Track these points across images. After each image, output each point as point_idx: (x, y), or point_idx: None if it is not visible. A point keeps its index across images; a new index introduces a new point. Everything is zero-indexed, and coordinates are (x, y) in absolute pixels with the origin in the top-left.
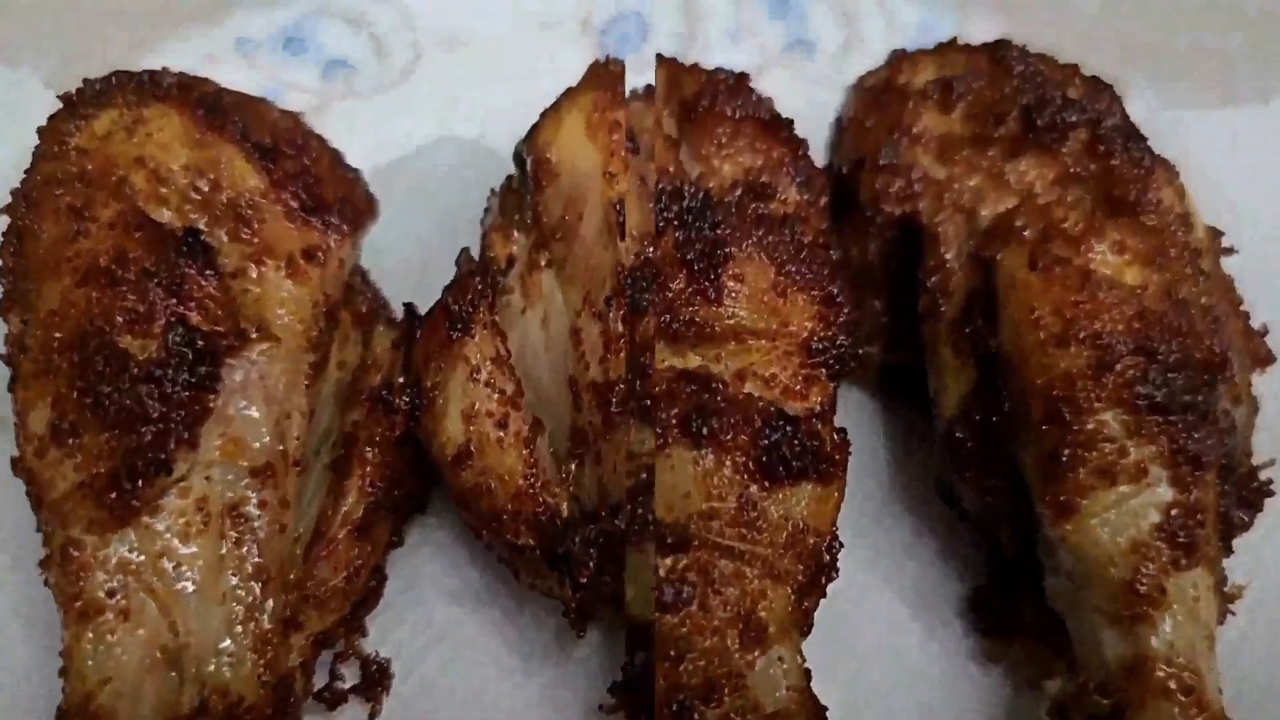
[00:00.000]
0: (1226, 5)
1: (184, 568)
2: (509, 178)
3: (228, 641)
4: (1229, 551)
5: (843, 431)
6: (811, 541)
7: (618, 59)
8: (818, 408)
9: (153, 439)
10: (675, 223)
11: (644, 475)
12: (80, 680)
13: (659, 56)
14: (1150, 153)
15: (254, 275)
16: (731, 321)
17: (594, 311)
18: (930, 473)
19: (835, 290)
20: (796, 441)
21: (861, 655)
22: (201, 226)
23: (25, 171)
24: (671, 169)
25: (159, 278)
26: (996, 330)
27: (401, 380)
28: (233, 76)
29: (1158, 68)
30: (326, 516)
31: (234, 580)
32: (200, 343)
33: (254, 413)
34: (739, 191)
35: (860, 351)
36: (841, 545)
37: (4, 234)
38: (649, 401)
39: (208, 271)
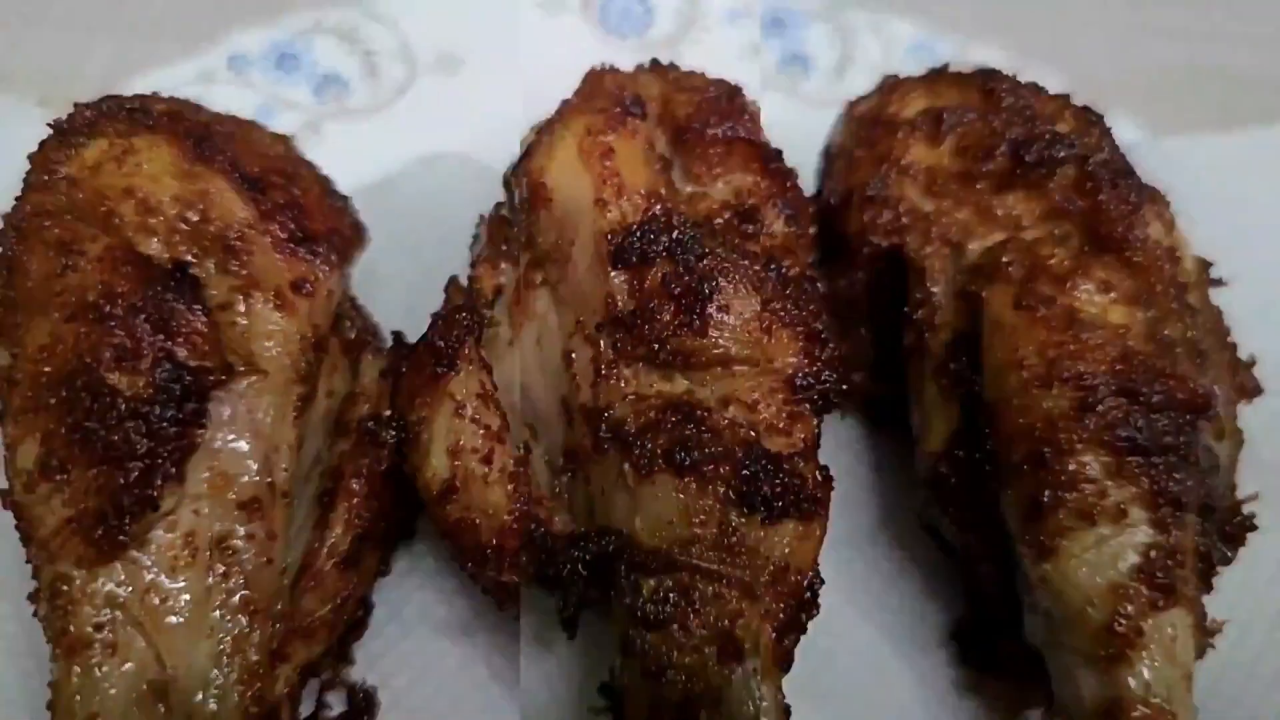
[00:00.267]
0: (1228, 28)
1: (171, 601)
2: (497, 205)
3: (215, 674)
4: (1209, 589)
5: (825, 469)
6: (793, 579)
7: (613, 68)
8: (801, 445)
9: (140, 475)
10: (664, 254)
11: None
12: (68, 714)
13: (654, 64)
14: (1139, 187)
15: (242, 308)
16: (718, 351)
17: (584, 336)
18: (915, 503)
19: (820, 327)
20: (779, 480)
21: (843, 686)
22: (190, 259)
23: (15, 199)
24: (662, 193)
25: (147, 313)
26: (980, 370)
27: (388, 413)
28: (226, 92)
29: (1152, 89)
30: (313, 549)
31: (221, 613)
32: (188, 378)
33: (242, 446)
34: (728, 214)
35: (845, 386)
36: (823, 582)
37: None
38: (631, 435)
39: (195, 306)
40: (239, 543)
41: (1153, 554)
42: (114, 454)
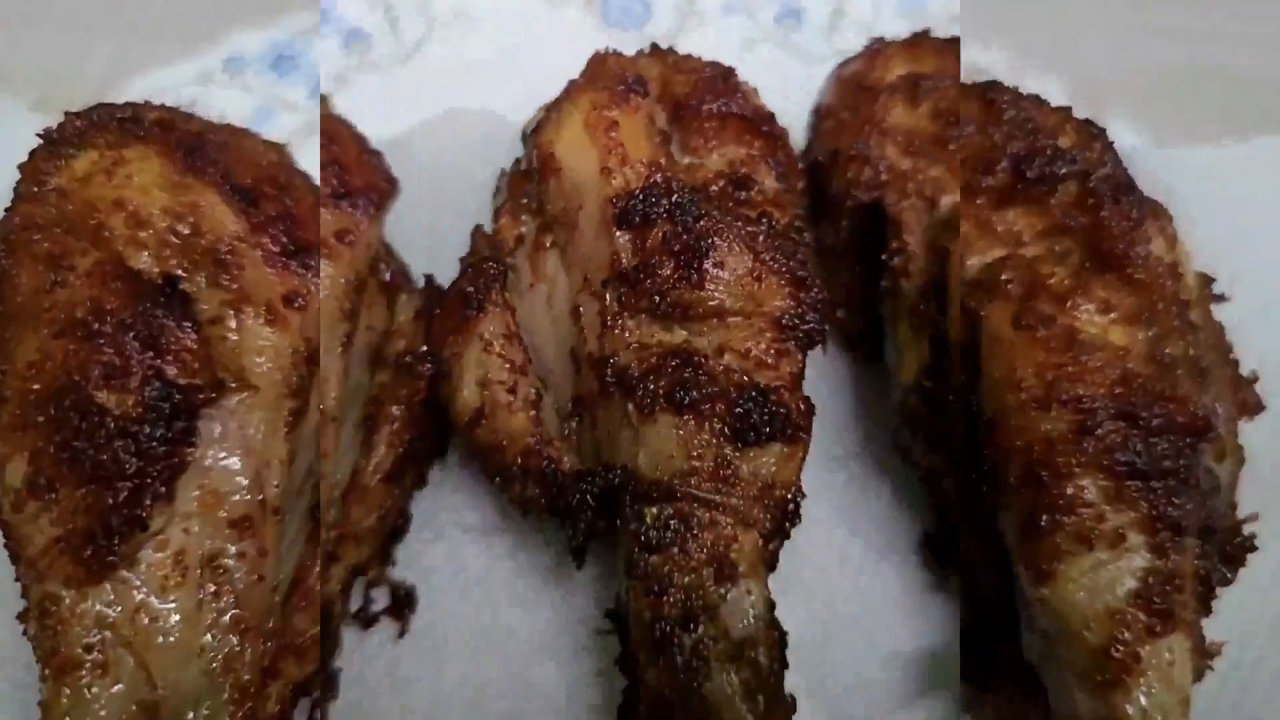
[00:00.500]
0: (1229, 28)
1: (161, 622)
2: (516, 160)
3: (206, 695)
4: (1208, 613)
5: (807, 399)
6: (778, 493)
7: (617, 52)
8: (787, 378)
9: (129, 495)
10: (665, 216)
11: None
12: None
13: (654, 48)
14: (1140, 203)
15: (232, 323)
16: (714, 303)
17: (591, 292)
18: (889, 427)
19: (805, 273)
20: (766, 410)
21: (824, 584)
22: (180, 273)
23: (6, 209)
24: (662, 163)
25: (136, 330)
26: (943, 309)
27: (424, 349)
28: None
29: (1152, 90)
30: (360, 466)
31: (212, 633)
32: (177, 396)
33: (233, 463)
34: (723, 182)
35: (827, 325)
36: (804, 495)
37: None
38: (635, 378)
39: (185, 322)
40: (230, 561)
41: (1150, 580)
42: (103, 473)
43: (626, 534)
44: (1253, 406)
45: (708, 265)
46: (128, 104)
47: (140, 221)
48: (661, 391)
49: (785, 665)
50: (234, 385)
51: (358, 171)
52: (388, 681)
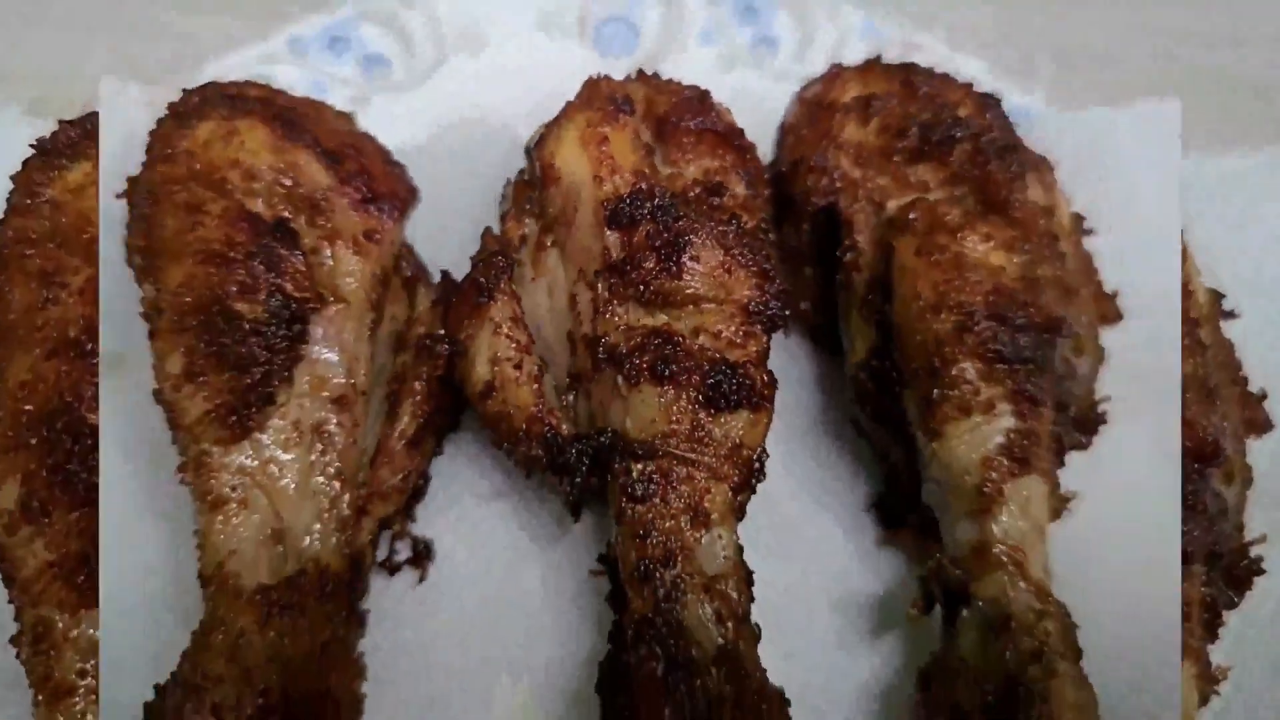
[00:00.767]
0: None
1: (285, 471)
2: (520, 171)
3: (317, 525)
4: (1214, 639)
5: (771, 374)
6: (745, 453)
7: (607, 77)
8: (754, 356)
9: (262, 378)
10: (649, 217)
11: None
12: (213, 552)
13: (640, 73)
14: (1021, 159)
15: (328, 253)
16: (690, 291)
17: (586, 282)
18: (845, 404)
19: (769, 267)
20: (735, 381)
21: (789, 539)
22: (286, 215)
23: (142, 165)
24: (646, 172)
25: (260, 257)
26: (890, 301)
27: (441, 332)
28: (288, 71)
29: (1063, 64)
30: (386, 434)
31: (321, 480)
32: (293, 306)
33: (332, 357)
34: (699, 189)
35: (789, 312)
36: (768, 455)
37: (132, 221)
38: (623, 354)
39: (295, 251)
40: (332, 428)
41: (1013, 436)
42: (242, 362)
43: (615, 487)
44: (1261, 425)
45: (685, 259)
46: (232, 83)
47: (253, 176)
48: (645, 365)
49: (752, 599)
50: (331, 299)
51: (383, 180)
52: (409, 620)
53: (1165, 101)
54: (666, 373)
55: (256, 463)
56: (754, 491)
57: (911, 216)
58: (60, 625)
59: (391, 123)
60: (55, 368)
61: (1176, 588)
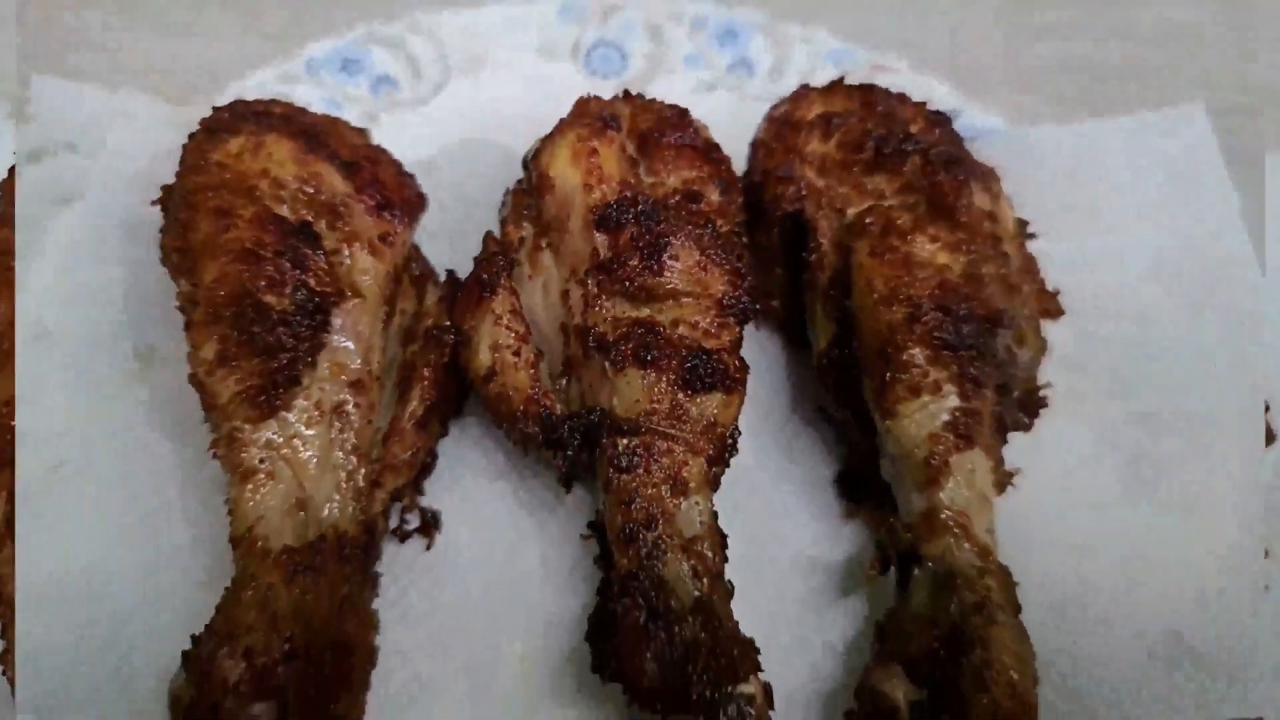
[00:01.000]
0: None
1: (307, 446)
2: (518, 180)
3: (336, 495)
4: (1005, 442)
5: (743, 360)
6: (719, 430)
7: (596, 96)
8: (727, 345)
9: (288, 362)
10: (633, 221)
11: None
12: (243, 518)
13: (626, 93)
14: (965, 170)
15: (347, 253)
16: (670, 287)
17: (577, 279)
18: (811, 391)
19: (741, 265)
20: (710, 366)
21: (756, 509)
22: (309, 219)
23: (176, 178)
24: (631, 181)
25: (286, 256)
26: (850, 296)
27: (447, 324)
28: (305, 91)
29: (1016, 84)
30: (397, 415)
31: (339, 455)
32: (316, 299)
33: (350, 345)
34: (678, 197)
35: (759, 306)
36: (740, 433)
37: (167, 224)
38: (610, 342)
39: (317, 251)
40: (350, 409)
41: (958, 415)
42: (269, 348)
43: (604, 460)
44: (1054, 311)
45: (666, 258)
46: (258, 101)
47: (279, 185)
48: (630, 352)
49: (725, 559)
50: (349, 294)
51: (395, 189)
52: (418, 582)
53: (1192, 107)
54: (649, 358)
55: (282, 438)
56: (727, 465)
57: (868, 221)
58: (246, 431)
59: (400, 137)
60: (237, 269)
61: (1118, 556)
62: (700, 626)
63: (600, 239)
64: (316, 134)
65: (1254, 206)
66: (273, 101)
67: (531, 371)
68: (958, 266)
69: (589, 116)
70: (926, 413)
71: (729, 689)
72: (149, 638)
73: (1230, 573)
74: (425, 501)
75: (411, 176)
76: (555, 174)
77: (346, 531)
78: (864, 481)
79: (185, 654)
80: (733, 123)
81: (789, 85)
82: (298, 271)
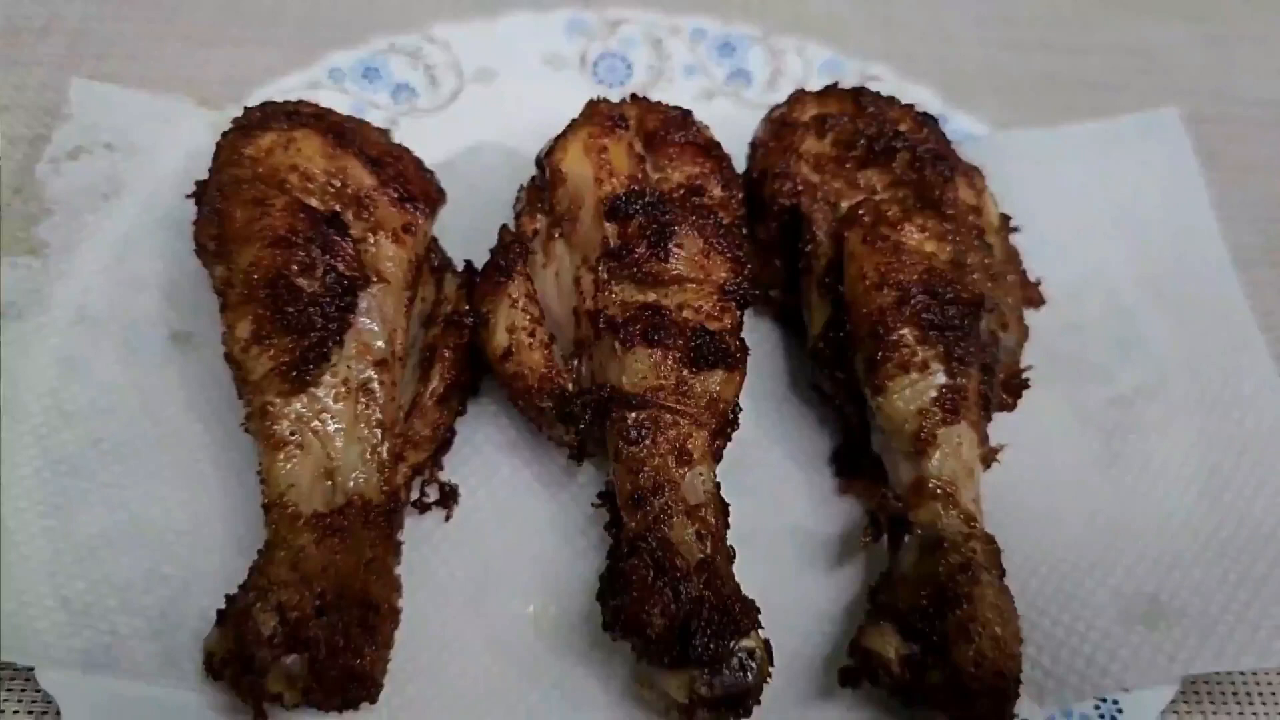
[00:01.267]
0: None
1: (335, 419)
2: (532, 177)
3: (361, 465)
4: (989, 419)
5: (744, 341)
6: (721, 406)
7: (606, 99)
8: (729, 327)
9: (318, 340)
10: (641, 211)
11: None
12: (275, 485)
13: (634, 96)
14: (951, 166)
15: (372, 240)
16: (675, 273)
17: (588, 266)
18: (808, 374)
19: (742, 254)
20: (713, 345)
21: (760, 486)
22: (337, 209)
23: (210, 174)
24: (639, 176)
25: (317, 242)
26: (843, 282)
27: (465, 309)
28: (329, 97)
29: (1000, 95)
30: (419, 391)
31: (364, 428)
32: (344, 282)
33: (375, 327)
34: (682, 191)
35: (757, 292)
36: (741, 409)
37: (203, 215)
38: (619, 323)
39: (345, 238)
40: (375, 386)
41: (945, 390)
42: (301, 327)
43: (614, 433)
44: (1036, 300)
45: (671, 246)
46: (287, 101)
47: (309, 178)
48: (638, 332)
49: (728, 526)
50: (375, 279)
51: (417, 184)
52: (437, 552)
53: (1167, 111)
54: (656, 337)
55: (311, 412)
56: (729, 439)
57: (860, 213)
58: (278, 405)
59: (419, 140)
60: (271, 253)
61: (1095, 525)
62: (704, 585)
63: (610, 228)
64: (343, 132)
65: (1227, 208)
66: (301, 102)
67: (545, 351)
68: (944, 255)
69: (599, 116)
70: (915, 389)
71: (731, 643)
72: (186, 596)
73: (1200, 537)
74: (444, 476)
75: (431, 173)
76: (567, 168)
77: (371, 500)
78: (857, 457)
79: (220, 611)
80: (732, 127)
81: (784, 94)
82: (327, 256)
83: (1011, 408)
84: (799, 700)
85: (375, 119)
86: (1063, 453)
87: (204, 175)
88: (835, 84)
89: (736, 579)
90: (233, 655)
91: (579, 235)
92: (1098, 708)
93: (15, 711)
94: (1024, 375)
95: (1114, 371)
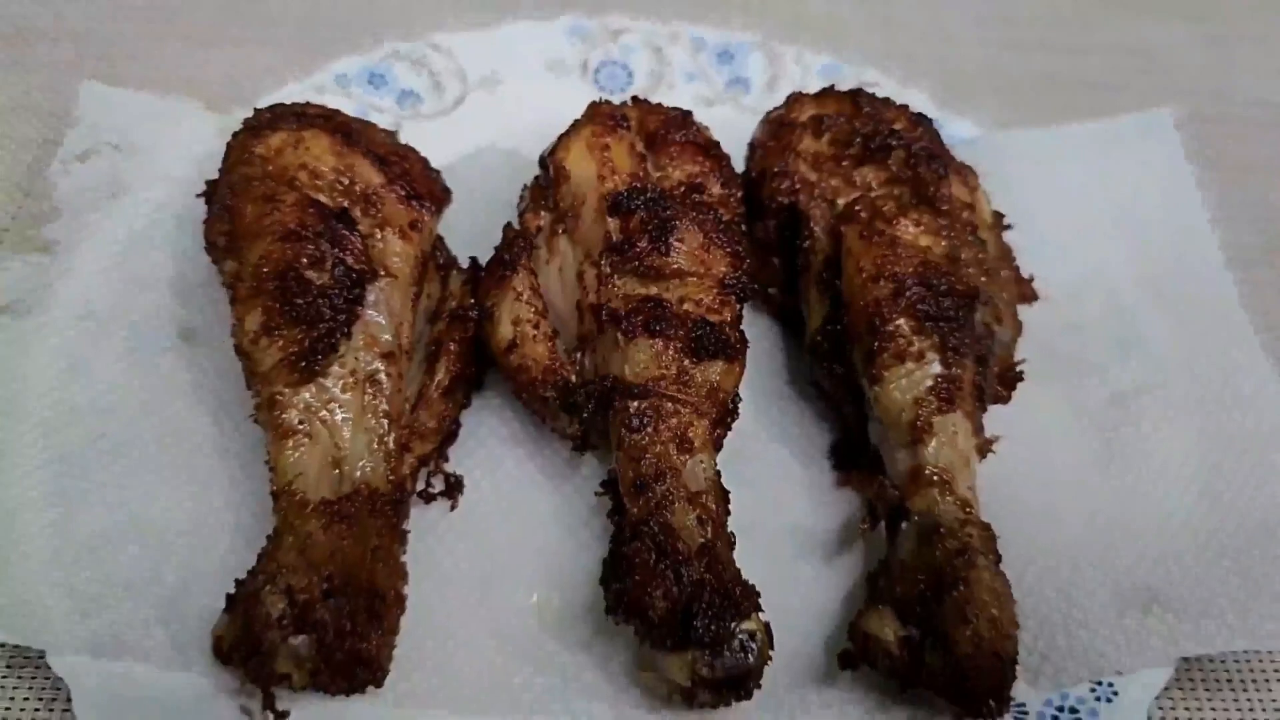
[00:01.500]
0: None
1: (343, 409)
2: (535, 177)
3: (368, 454)
4: (985, 410)
5: (743, 334)
6: (721, 395)
7: (608, 101)
8: (729, 319)
9: (326, 331)
10: (642, 206)
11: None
12: (283, 474)
13: (635, 99)
14: (944, 164)
15: (380, 236)
16: (676, 267)
17: (591, 261)
18: (807, 371)
19: (741, 249)
20: (713, 337)
21: (759, 478)
22: (346, 205)
23: (221, 173)
24: (641, 174)
25: (326, 236)
26: (840, 278)
27: (470, 303)
28: (335, 102)
29: (996, 99)
30: (425, 384)
31: (372, 419)
32: (353, 275)
33: (383, 320)
34: (683, 188)
35: (758, 288)
36: (740, 399)
37: (213, 213)
38: (621, 315)
39: (354, 233)
40: (382, 377)
41: (940, 380)
42: (310, 318)
43: (616, 421)
44: (1029, 296)
45: (672, 240)
46: (295, 103)
47: (318, 176)
48: (640, 322)
49: (728, 513)
50: (383, 273)
51: (423, 182)
52: (442, 543)
53: (1160, 112)
54: (657, 328)
55: (319, 402)
56: (729, 429)
57: (857, 209)
58: (286, 395)
59: (423, 144)
60: (281, 247)
61: (1092, 520)
62: (705, 568)
63: (612, 223)
64: (351, 132)
65: (1227, 208)
66: (308, 104)
67: (549, 344)
68: (939, 249)
69: (601, 117)
70: (911, 379)
71: (733, 625)
72: (192, 589)
73: (1198, 534)
74: (449, 468)
75: (437, 172)
76: (570, 165)
77: (378, 489)
78: (855, 452)
79: (229, 595)
80: (731, 132)
81: (783, 99)
82: (336, 250)
83: (1006, 400)
84: (798, 685)
85: (380, 123)
86: (1061, 451)
87: (211, 177)
88: (832, 86)
89: (737, 566)
90: (241, 639)
91: (582, 231)
92: (1093, 690)
93: (25, 697)
94: (1019, 369)
95: (1113, 370)
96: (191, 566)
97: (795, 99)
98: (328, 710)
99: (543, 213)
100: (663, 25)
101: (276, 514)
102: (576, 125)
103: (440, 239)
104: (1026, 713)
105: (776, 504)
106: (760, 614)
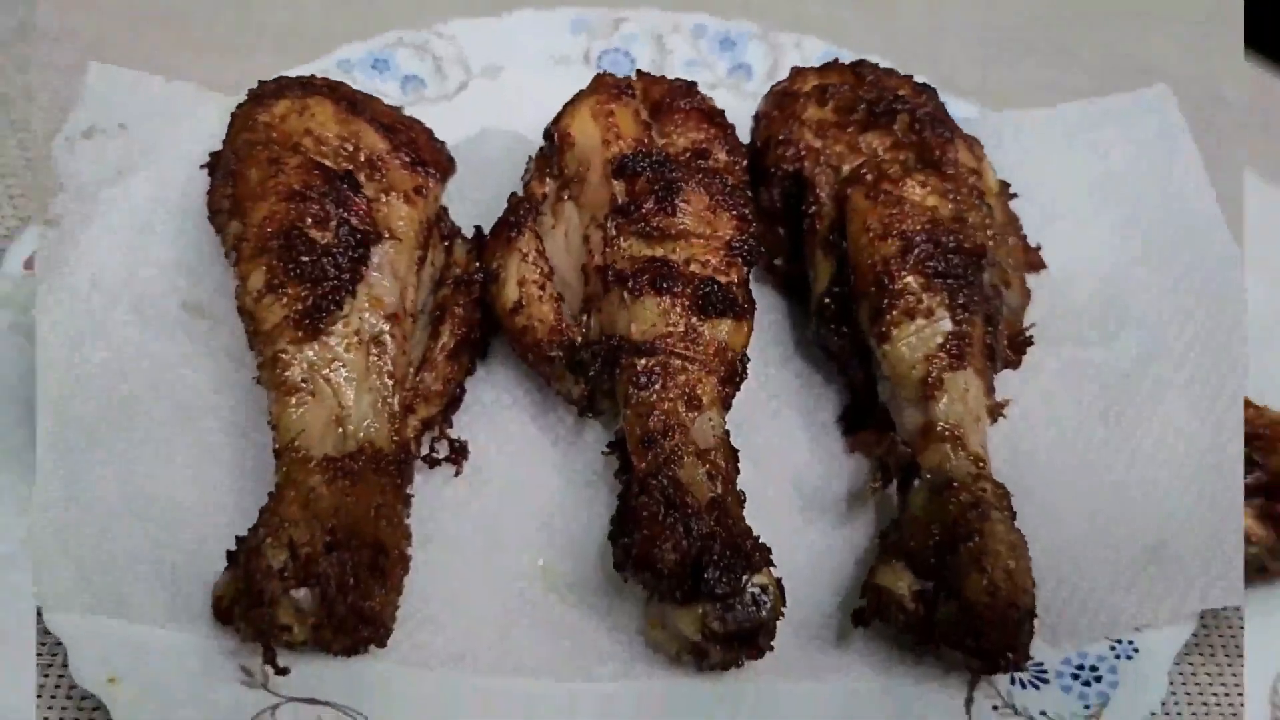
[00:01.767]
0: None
1: (347, 368)
2: (540, 148)
3: (372, 414)
4: (996, 371)
5: (750, 294)
6: (730, 354)
7: (611, 74)
8: (736, 280)
9: (331, 290)
10: (647, 168)
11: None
12: (286, 431)
13: (639, 71)
14: (949, 130)
15: (384, 200)
16: (682, 228)
17: (597, 224)
18: (814, 338)
19: (747, 212)
20: (721, 295)
21: (768, 441)
22: (351, 169)
23: (225, 141)
24: (645, 140)
25: (331, 197)
26: (846, 239)
27: (476, 266)
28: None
29: (1001, 90)
30: (430, 346)
31: (376, 379)
32: (358, 235)
33: (387, 281)
34: (688, 154)
35: (764, 251)
36: (749, 359)
37: (217, 179)
38: (628, 275)
39: (359, 195)
40: (386, 338)
41: (950, 337)
42: (315, 277)
43: (623, 379)
44: (1035, 264)
45: (679, 201)
46: (301, 75)
47: (322, 142)
48: (647, 280)
49: (738, 470)
50: (388, 236)
51: (428, 150)
52: (447, 505)
53: (1160, 88)
54: (664, 285)
55: (323, 360)
56: (738, 388)
57: (863, 171)
58: (290, 353)
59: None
60: (286, 207)
61: (1104, 482)
62: (715, 522)
63: (618, 186)
64: (356, 100)
65: (1226, 208)
66: (313, 76)
67: (555, 304)
68: (945, 209)
69: (606, 86)
70: (921, 336)
71: (744, 578)
72: (195, 554)
73: (1206, 494)
74: (453, 433)
75: (442, 143)
76: (576, 132)
77: (382, 449)
78: (864, 413)
79: (230, 552)
80: (733, 118)
81: None
82: (341, 210)
83: (1016, 365)
84: (810, 646)
85: (400, 78)
86: (1068, 418)
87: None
88: (835, 60)
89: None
90: (242, 593)
91: (587, 195)
92: (1113, 649)
93: None
94: (1028, 333)
95: (1113, 342)
96: (196, 534)
97: (799, 71)
98: (329, 668)
99: (548, 179)
100: (665, 15)
101: (279, 471)
102: (581, 94)
103: (444, 209)
104: (1045, 672)
105: (785, 470)
106: (772, 568)
